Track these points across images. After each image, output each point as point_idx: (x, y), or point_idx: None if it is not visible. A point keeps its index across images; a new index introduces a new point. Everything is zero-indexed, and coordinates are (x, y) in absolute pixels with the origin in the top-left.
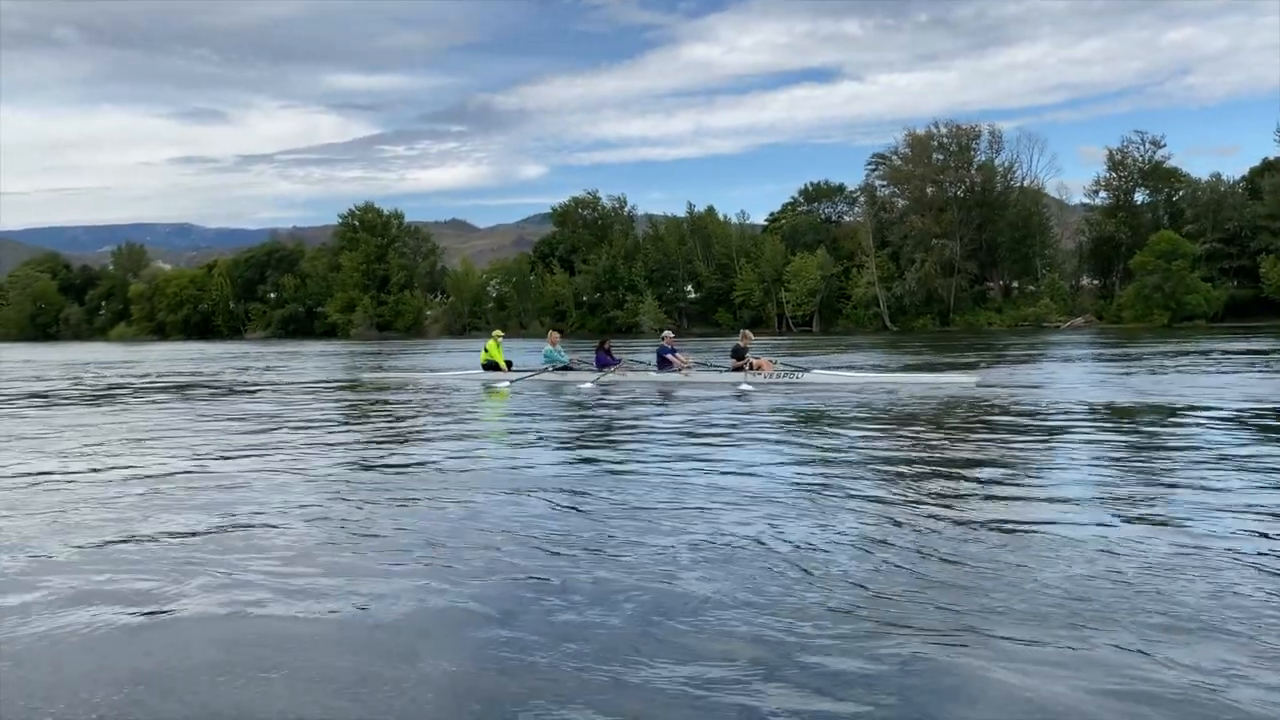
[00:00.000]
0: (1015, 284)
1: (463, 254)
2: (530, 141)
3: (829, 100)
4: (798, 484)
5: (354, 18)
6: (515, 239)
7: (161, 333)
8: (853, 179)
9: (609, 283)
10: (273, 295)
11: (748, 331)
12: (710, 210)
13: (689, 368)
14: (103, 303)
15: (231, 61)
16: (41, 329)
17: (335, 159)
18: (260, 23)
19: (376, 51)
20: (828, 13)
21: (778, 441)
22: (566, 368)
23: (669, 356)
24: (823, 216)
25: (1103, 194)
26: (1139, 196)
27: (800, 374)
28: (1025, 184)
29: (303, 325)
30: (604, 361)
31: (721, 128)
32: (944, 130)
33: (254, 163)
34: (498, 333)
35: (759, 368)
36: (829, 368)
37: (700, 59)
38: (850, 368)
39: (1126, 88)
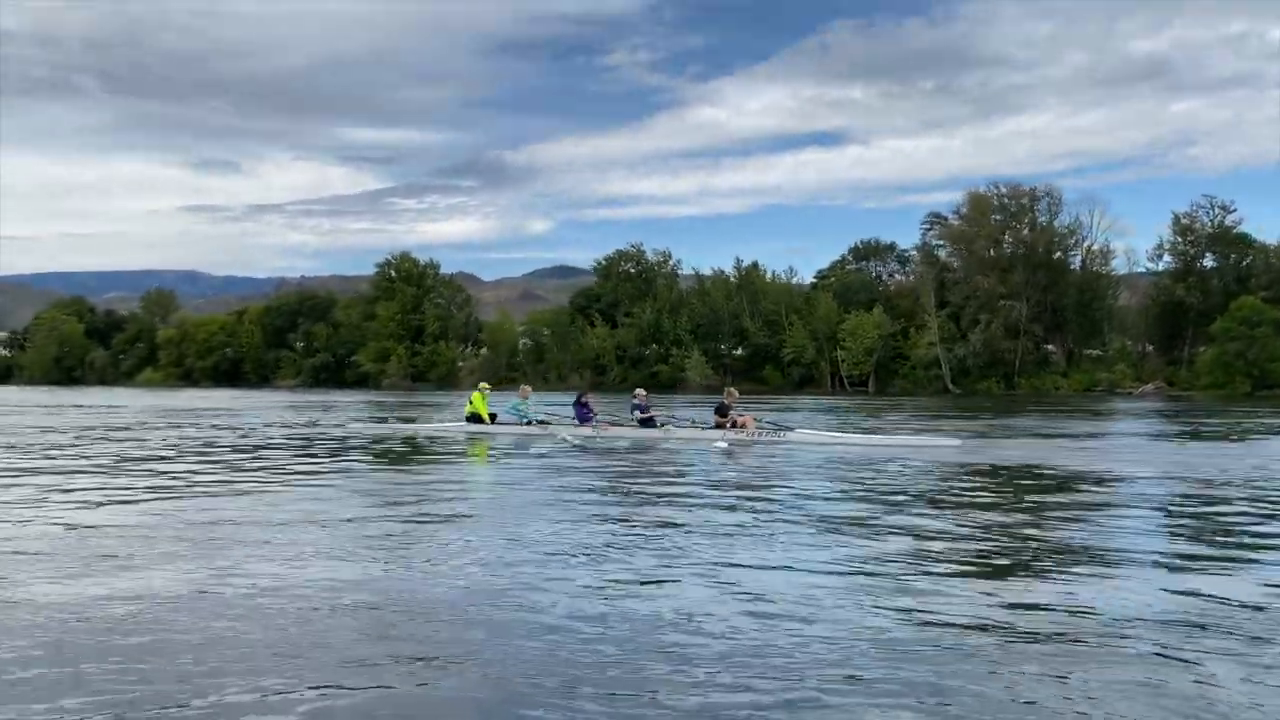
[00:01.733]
0: (1078, 349)
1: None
2: (538, 198)
3: (835, 163)
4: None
5: (369, 71)
6: (521, 292)
7: (190, 378)
8: (857, 238)
9: (653, 336)
10: (300, 344)
11: (732, 389)
12: (755, 265)
13: (667, 424)
14: (129, 347)
15: (247, 112)
16: (66, 372)
17: (344, 210)
18: (277, 74)
19: (390, 105)
20: (834, 78)
21: (729, 503)
22: (542, 422)
23: (639, 414)
24: (873, 275)
25: (1166, 258)
26: (1207, 261)
27: (783, 433)
28: (1091, 245)
29: (333, 374)
30: (583, 415)
31: (727, 188)
32: (1003, 190)
33: (264, 212)
34: (484, 385)
35: (742, 425)
36: (814, 428)
37: (707, 121)
38: (833, 429)
39: (1130, 158)
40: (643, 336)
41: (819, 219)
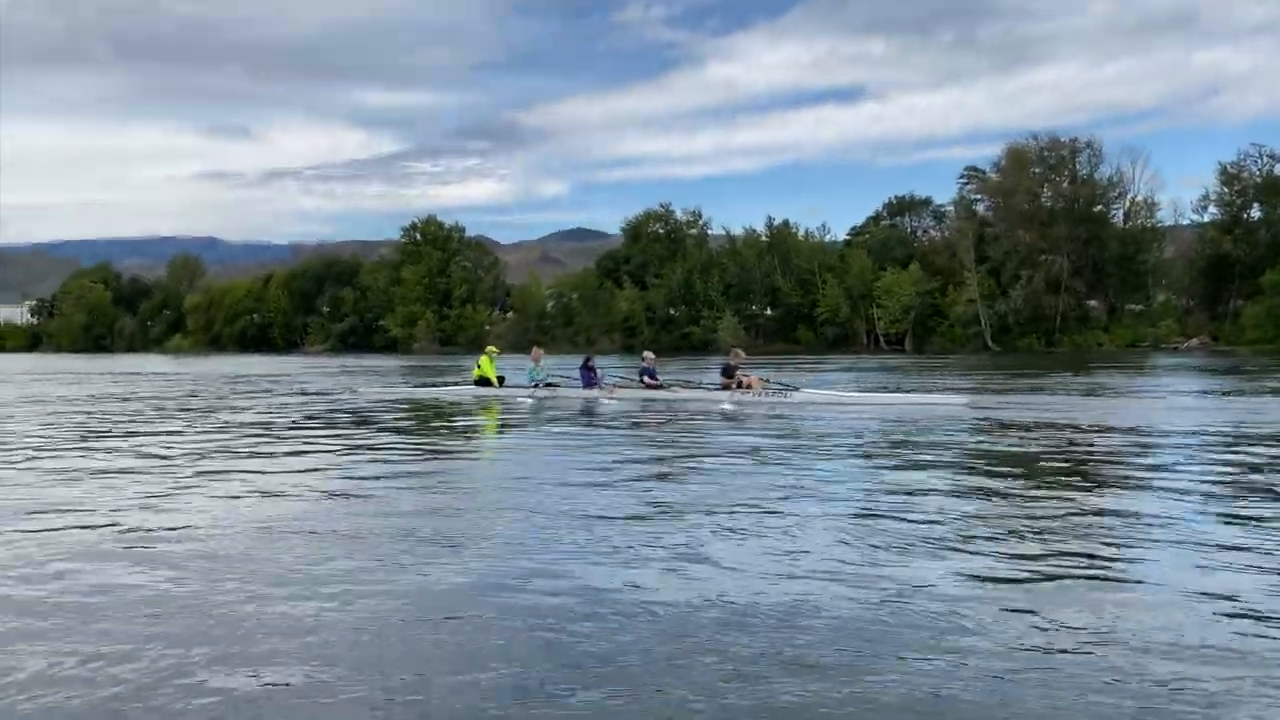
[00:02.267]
0: (1120, 304)
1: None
2: (553, 159)
3: (852, 120)
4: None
5: (382, 34)
6: (539, 255)
7: (217, 345)
8: (875, 196)
9: (684, 298)
10: (326, 309)
11: (739, 350)
12: (786, 224)
13: (673, 385)
14: (156, 314)
15: (260, 78)
16: (95, 340)
17: (359, 175)
18: (289, 39)
19: (403, 68)
20: (852, 32)
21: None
22: (550, 385)
23: (648, 379)
24: (908, 231)
25: (1212, 209)
26: (1254, 212)
27: (789, 393)
28: (1134, 198)
29: (362, 339)
30: (588, 380)
31: (743, 146)
32: (1043, 142)
33: (279, 178)
34: (491, 348)
35: (748, 386)
36: (819, 387)
37: (723, 78)
38: (840, 388)
39: (1152, 109)
40: (673, 298)
41: (837, 176)
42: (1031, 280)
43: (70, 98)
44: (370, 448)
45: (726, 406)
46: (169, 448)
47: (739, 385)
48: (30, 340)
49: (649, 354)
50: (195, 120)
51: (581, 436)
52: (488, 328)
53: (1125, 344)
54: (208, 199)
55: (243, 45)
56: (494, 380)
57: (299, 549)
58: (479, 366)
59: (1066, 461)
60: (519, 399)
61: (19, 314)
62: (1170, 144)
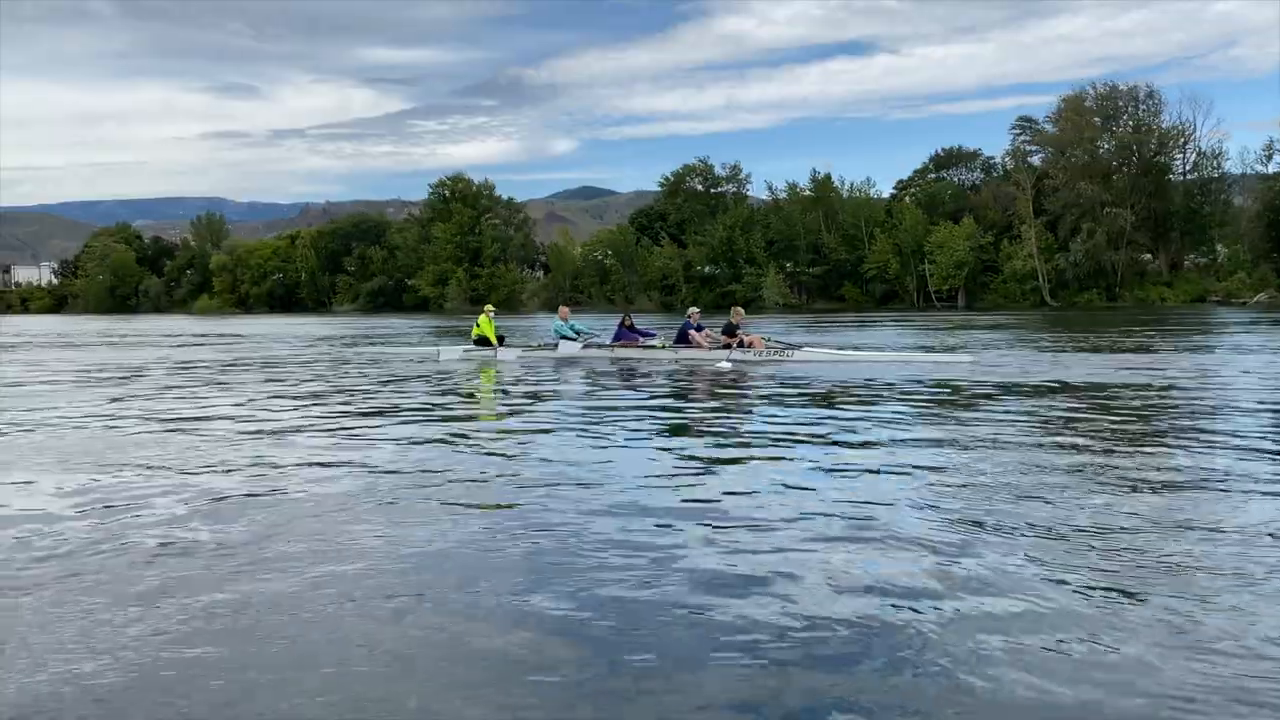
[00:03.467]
0: (1181, 257)
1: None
2: (560, 116)
3: (864, 74)
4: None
5: None
6: (546, 214)
7: (244, 305)
8: (886, 152)
9: (725, 255)
10: (352, 269)
11: (740, 309)
12: (828, 179)
13: (669, 344)
14: (181, 274)
15: (265, 35)
16: (120, 301)
17: (366, 133)
18: None
19: (409, 24)
20: None
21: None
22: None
23: (691, 332)
24: (959, 184)
25: (1278, 159)
26: None
27: (790, 351)
28: (1199, 147)
29: (392, 298)
30: (626, 337)
31: (754, 101)
32: (1101, 91)
33: (285, 137)
34: (489, 308)
35: (750, 344)
36: (820, 346)
37: (733, 31)
38: (843, 347)
39: (1169, 60)
40: (714, 255)
41: (847, 131)
42: (1093, 234)
43: (73, 57)
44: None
45: (723, 365)
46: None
47: (740, 345)
48: (55, 302)
49: (694, 309)
50: (201, 79)
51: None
52: (521, 287)
53: (1190, 299)
54: (214, 159)
55: (248, 2)
56: (494, 340)
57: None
58: (477, 326)
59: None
60: (566, 353)
61: (37, 275)
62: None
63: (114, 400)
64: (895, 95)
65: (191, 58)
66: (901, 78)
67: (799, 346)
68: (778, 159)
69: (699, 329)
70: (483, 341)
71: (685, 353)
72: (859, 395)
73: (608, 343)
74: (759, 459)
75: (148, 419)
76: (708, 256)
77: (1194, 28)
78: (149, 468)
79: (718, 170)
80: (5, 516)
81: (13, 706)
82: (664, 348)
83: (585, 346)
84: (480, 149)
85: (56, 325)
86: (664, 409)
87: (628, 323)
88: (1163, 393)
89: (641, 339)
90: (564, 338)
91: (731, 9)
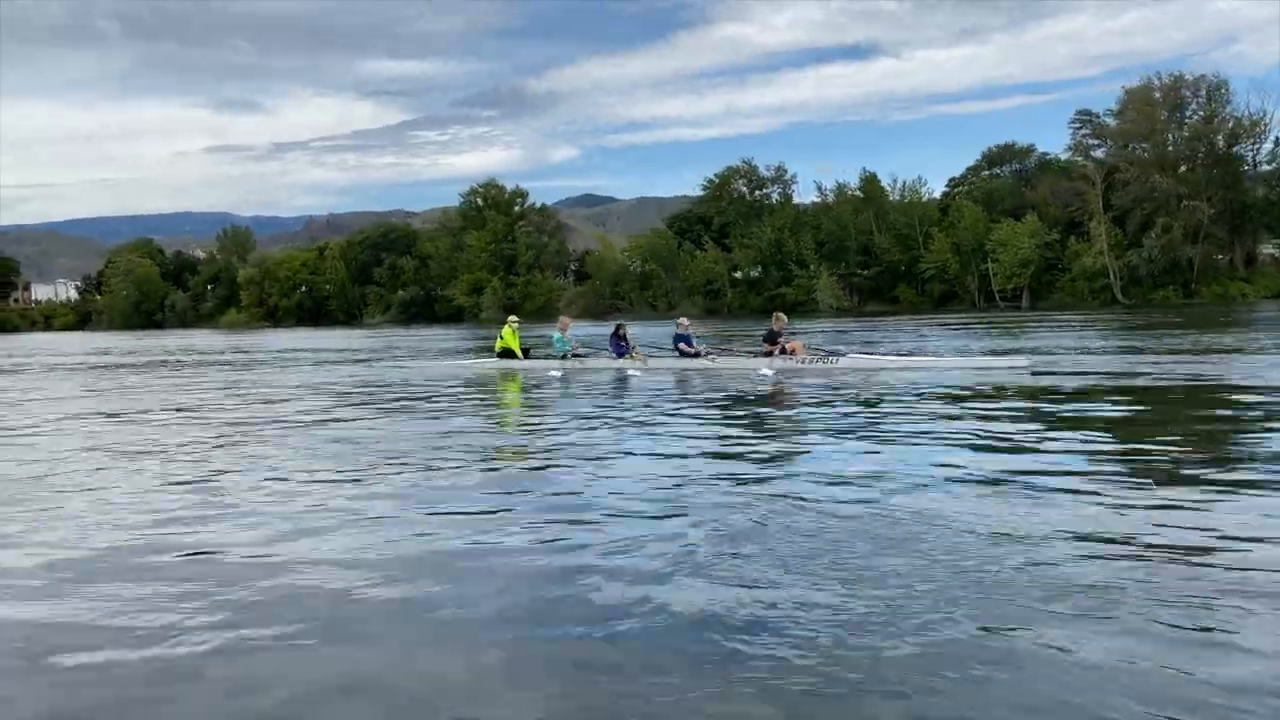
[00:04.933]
0: (1257, 251)
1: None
2: (561, 124)
3: (864, 78)
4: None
5: (386, 3)
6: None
7: (273, 319)
8: (887, 156)
9: (774, 258)
10: (382, 280)
11: (781, 314)
12: (874, 178)
13: (711, 353)
14: (207, 288)
15: (266, 51)
16: (146, 316)
17: (368, 145)
18: (294, 10)
19: (409, 37)
20: None
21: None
22: (578, 355)
23: (683, 345)
24: (1016, 179)
25: None
26: None
27: (833, 358)
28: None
29: (424, 309)
30: (620, 349)
31: (753, 107)
32: (1165, 82)
33: (288, 150)
34: (513, 319)
35: (792, 351)
36: (866, 352)
37: (732, 37)
38: (889, 354)
39: (1171, 57)
40: (761, 257)
41: (845, 134)
42: (1169, 228)
43: (78, 77)
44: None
45: (765, 372)
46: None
47: (782, 351)
48: (79, 319)
49: (684, 320)
50: (203, 95)
51: (613, 409)
52: (559, 295)
53: (1271, 294)
54: (218, 173)
55: (249, 18)
56: (518, 353)
57: None
58: (501, 338)
59: None
60: (549, 371)
61: (52, 292)
62: None
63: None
64: (894, 98)
65: (194, 74)
66: (901, 80)
67: (843, 353)
68: (777, 162)
69: (687, 340)
70: (507, 354)
71: (726, 362)
72: (910, 405)
73: (603, 353)
74: (786, 473)
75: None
76: (754, 259)
77: (1193, 25)
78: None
79: (762, 171)
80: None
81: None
82: (706, 357)
83: (574, 357)
84: (482, 159)
85: (93, 341)
86: (695, 422)
87: (621, 332)
88: None
89: (632, 351)
90: (565, 354)
91: (732, 14)
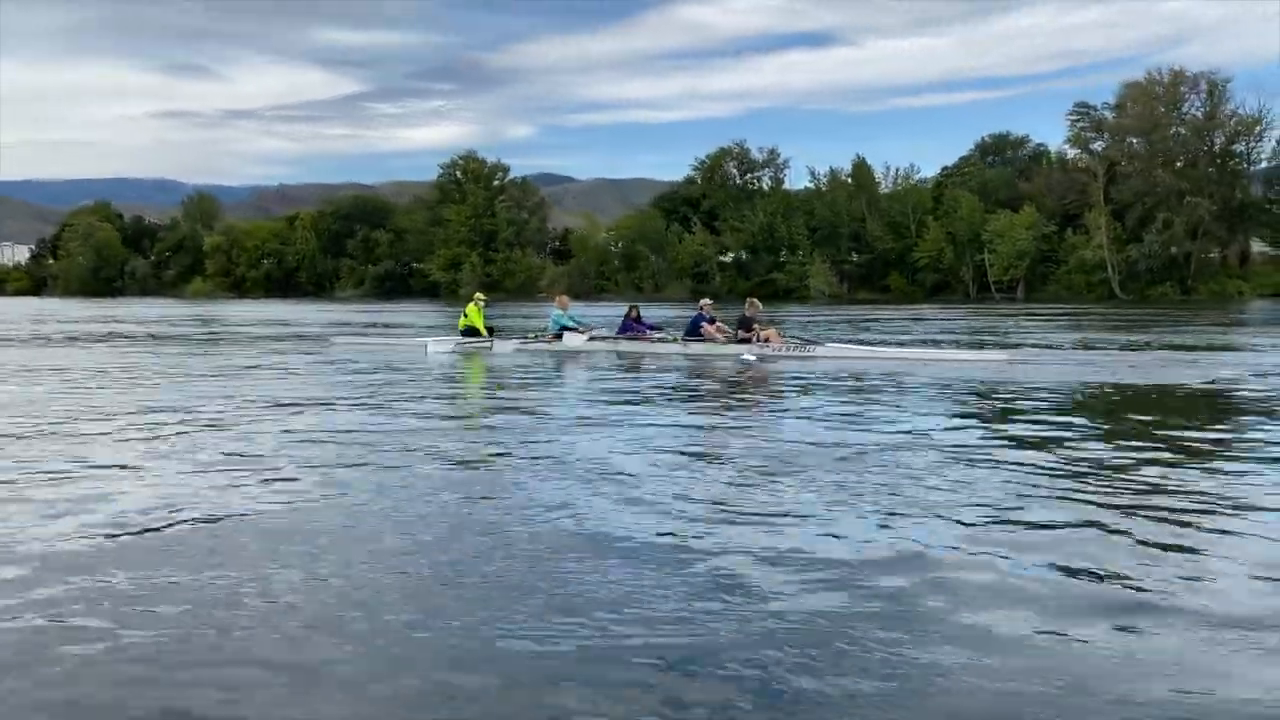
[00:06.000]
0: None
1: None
2: (519, 101)
3: (822, 65)
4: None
5: None
6: None
7: (240, 289)
8: (847, 145)
9: (766, 242)
10: (355, 253)
11: (755, 300)
12: (863, 163)
13: (679, 338)
14: (169, 256)
15: (218, 14)
16: (106, 283)
17: (321, 116)
18: None
19: (366, 6)
20: None
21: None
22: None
23: (704, 325)
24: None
25: None
26: None
27: (811, 347)
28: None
29: (400, 284)
30: (630, 329)
31: (714, 91)
32: (1164, 78)
33: (238, 118)
34: (479, 296)
35: (767, 339)
36: (843, 342)
37: (695, 20)
38: (865, 343)
39: (1122, 57)
40: (752, 241)
41: (807, 122)
42: (1170, 224)
43: (20, 33)
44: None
45: (748, 357)
46: None
47: (758, 339)
48: (34, 284)
49: (707, 301)
50: (151, 58)
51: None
52: (536, 272)
53: (1268, 291)
54: (164, 139)
55: None
56: (483, 330)
57: None
58: (465, 315)
59: None
60: (613, 350)
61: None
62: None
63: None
64: (854, 88)
65: (142, 36)
66: (860, 70)
67: (821, 342)
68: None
69: (711, 321)
70: (471, 332)
71: (696, 347)
72: (893, 397)
73: (613, 335)
74: (767, 473)
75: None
76: (745, 243)
77: (1147, 25)
78: None
79: (754, 154)
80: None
81: None
82: (674, 341)
83: (590, 339)
84: (437, 133)
85: (58, 308)
86: (672, 407)
87: (634, 314)
88: None
89: (650, 332)
90: (565, 329)
91: None
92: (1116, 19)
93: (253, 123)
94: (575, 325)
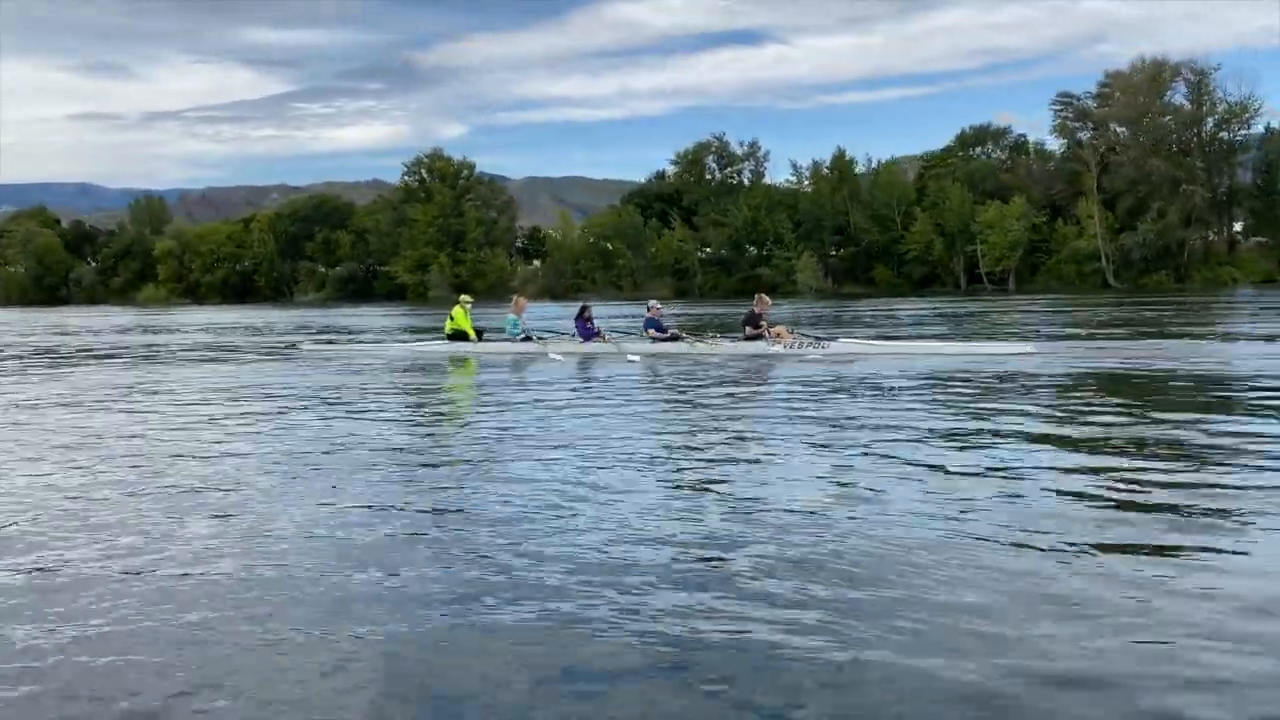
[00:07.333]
0: (1247, 236)
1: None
2: (450, 100)
3: (755, 62)
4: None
5: None
6: None
7: (194, 295)
8: (781, 141)
9: (750, 237)
10: (316, 255)
11: (764, 295)
12: (842, 155)
13: (691, 339)
14: (116, 262)
15: (139, 12)
16: (49, 291)
17: (247, 116)
18: None
19: (293, 4)
20: None
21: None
22: (539, 338)
23: (654, 331)
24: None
25: None
26: None
27: (823, 344)
28: (1269, 122)
29: (363, 286)
30: (586, 332)
31: (647, 89)
32: (1147, 67)
33: (161, 120)
34: (465, 298)
35: (778, 336)
36: (855, 338)
37: (626, 18)
38: (883, 338)
39: (1043, 54)
40: (735, 237)
41: (740, 120)
42: (1164, 212)
43: None
44: None
45: (633, 358)
46: None
47: (768, 335)
48: None
49: (655, 303)
50: (68, 57)
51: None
52: (510, 273)
53: (1260, 279)
54: (83, 142)
55: None
56: (471, 333)
57: None
58: (452, 319)
59: None
60: (551, 356)
61: None
62: (1059, 89)
63: None
64: (784, 85)
65: (59, 34)
66: (791, 68)
67: (833, 338)
68: (673, 147)
69: (657, 325)
70: (459, 335)
71: (704, 348)
72: (907, 394)
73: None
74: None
75: None
76: (727, 239)
77: (1066, 24)
78: None
79: (734, 148)
80: None
81: None
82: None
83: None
84: (367, 133)
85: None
86: (669, 414)
87: (586, 315)
88: None
89: (601, 336)
90: (515, 335)
91: None
92: (1036, 17)
93: (176, 124)
94: (527, 334)
